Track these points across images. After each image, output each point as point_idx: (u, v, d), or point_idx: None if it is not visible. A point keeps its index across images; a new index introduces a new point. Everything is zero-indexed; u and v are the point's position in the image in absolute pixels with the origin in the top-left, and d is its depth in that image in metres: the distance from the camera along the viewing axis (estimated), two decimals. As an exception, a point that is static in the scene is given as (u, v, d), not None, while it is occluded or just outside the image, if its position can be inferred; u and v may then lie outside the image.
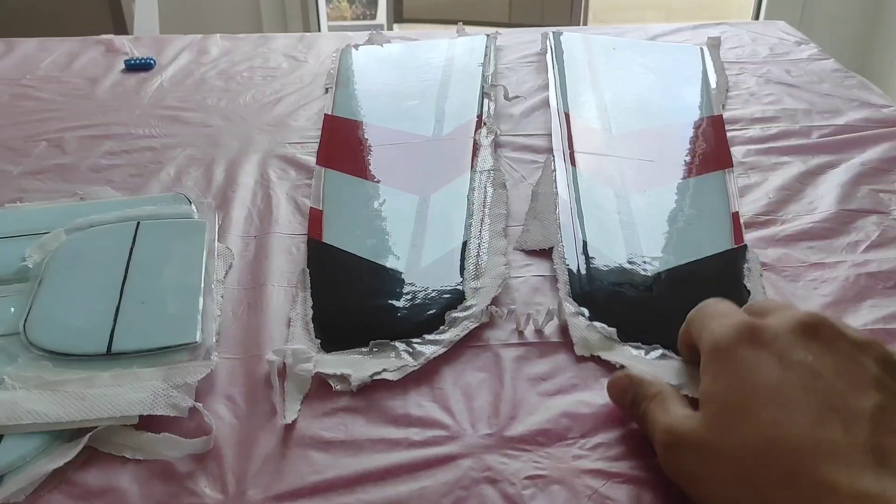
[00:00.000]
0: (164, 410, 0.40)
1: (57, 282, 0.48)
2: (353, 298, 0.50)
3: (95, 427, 0.39)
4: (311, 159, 0.66)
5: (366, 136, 0.70)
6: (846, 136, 0.68)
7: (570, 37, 0.88)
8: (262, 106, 0.78)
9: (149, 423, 0.40)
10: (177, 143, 0.70)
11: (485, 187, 0.61)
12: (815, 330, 0.32)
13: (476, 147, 0.67)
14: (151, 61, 0.87)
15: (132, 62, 0.87)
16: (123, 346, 0.44)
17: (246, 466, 0.38)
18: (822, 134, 0.68)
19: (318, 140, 0.70)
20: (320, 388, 0.42)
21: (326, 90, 0.80)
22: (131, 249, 0.52)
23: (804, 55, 0.86)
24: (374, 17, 2.38)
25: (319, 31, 1.95)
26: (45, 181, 0.64)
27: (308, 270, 0.51)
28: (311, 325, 0.47)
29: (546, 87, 0.79)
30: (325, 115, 0.73)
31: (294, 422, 0.40)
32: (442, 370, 0.43)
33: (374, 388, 0.42)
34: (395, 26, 2.08)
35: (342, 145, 0.69)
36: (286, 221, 0.58)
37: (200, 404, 0.40)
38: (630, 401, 0.38)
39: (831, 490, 0.27)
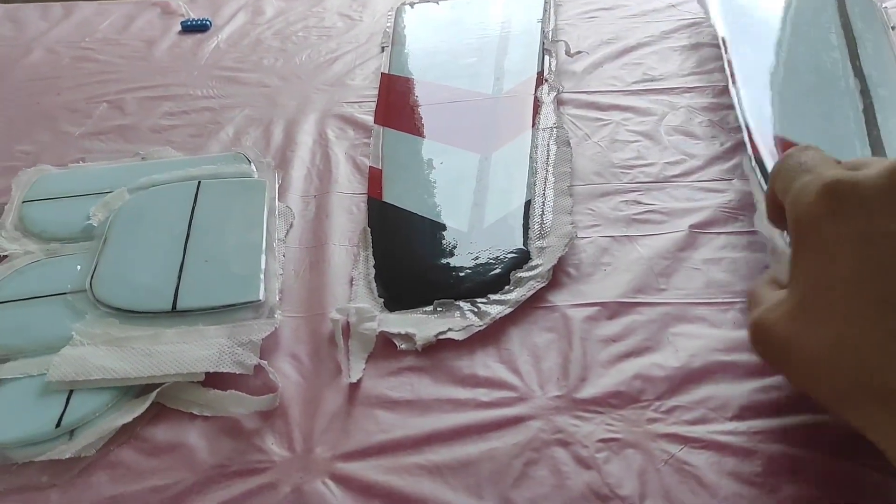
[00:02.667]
0: (230, 368, 0.40)
1: (121, 240, 0.48)
2: (415, 258, 0.49)
3: (163, 383, 0.39)
4: (369, 118, 0.65)
5: (424, 95, 0.69)
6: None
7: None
8: (318, 65, 0.77)
9: (215, 380, 0.40)
10: (235, 104, 0.69)
11: (548, 145, 0.59)
12: None
13: (537, 104, 0.65)
14: (207, 22, 0.87)
15: (188, 23, 0.87)
16: (188, 304, 0.43)
17: (313, 425, 0.37)
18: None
19: (376, 99, 0.68)
20: (384, 347, 0.42)
21: (382, 49, 0.79)
22: (193, 208, 0.51)
23: None
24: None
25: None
26: (107, 141, 0.64)
27: (369, 229, 0.51)
28: (374, 285, 0.46)
29: (610, 42, 0.76)
30: (381, 73, 0.72)
31: (359, 381, 0.40)
32: (508, 330, 0.42)
33: (439, 347, 0.41)
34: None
35: (400, 104, 0.67)
36: (345, 181, 0.57)
37: (265, 362, 0.40)
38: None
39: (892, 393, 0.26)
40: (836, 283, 0.28)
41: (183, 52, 0.82)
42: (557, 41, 0.76)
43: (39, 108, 0.70)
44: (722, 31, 0.68)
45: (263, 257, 0.47)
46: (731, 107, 0.63)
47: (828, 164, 0.32)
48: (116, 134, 0.65)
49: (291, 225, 0.52)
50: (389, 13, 0.87)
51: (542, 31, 0.78)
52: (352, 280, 0.47)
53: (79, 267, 0.46)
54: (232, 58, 0.79)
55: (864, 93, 0.60)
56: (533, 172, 0.56)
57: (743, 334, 0.40)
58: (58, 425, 0.37)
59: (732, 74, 0.62)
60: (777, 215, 0.34)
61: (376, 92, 0.70)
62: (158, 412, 0.38)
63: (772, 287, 0.34)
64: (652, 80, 0.69)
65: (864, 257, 0.27)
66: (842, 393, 0.28)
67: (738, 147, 0.58)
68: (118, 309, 0.43)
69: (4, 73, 0.77)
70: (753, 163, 0.51)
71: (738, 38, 0.68)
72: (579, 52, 0.74)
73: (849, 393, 0.28)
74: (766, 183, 0.45)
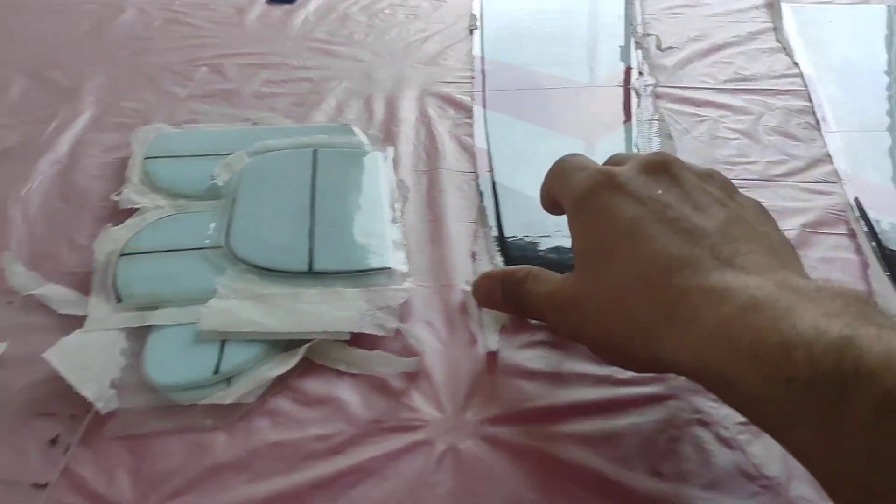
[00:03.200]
0: (372, 329, 0.41)
1: (250, 201, 0.50)
2: (535, 236, 0.50)
3: (310, 340, 0.40)
4: (467, 99, 0.66)
5: (520, 79, 0.70)
6: None
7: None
8: (408, 44, 0.77)
9: (357, 341, 0.41)
10: (332, 76, 0.71)
11: (650, 137, 0.60)
12: (663, 167, 0.35)
13: (634, 96, 0.66)
14: (293, -6, 0.88)
15: (275, -7, 0.88)
16: (324, 266, 0.45)
17: (457, 389, 0.39)
18: None
19: (471, 81, 0.70)
20: (517, 320, 0.43)
21: (471, 31, 0.80)
22: (314, 175, 0.53)
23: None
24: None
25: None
26: (213, 104, 0.65)
27: (485, 207, 0.52)
28: (499, 259, 0.47)
29: (697, 39, 0.77)
30: (475, 55, 0.73)
31: (496, 352, 0.41)
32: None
33: (570, 324, 0.43)
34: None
35: (499, 87, 0.68)
36: (453, 158, 0.58)
37: (406, 326, 0.42)
38: (502, 295, 0.40)
39: (683, 294, 0.30)
40: (617, 233, 0.33)
41: (273, 21, 0.83)
42: (649, 35, 0.77)
43: (140, 68, 0.71)
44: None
45: (388, 227, 0.49)
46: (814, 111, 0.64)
47: (594, 163, 0.38)
48: (221, 98, 0.66)
49: (407, 198, 0.54)
50: (474, -4, 0.87)
51: (630, 24, 0.79)
52: (474, 254, 0.48)
53: (213, 224, 0.48)
54: (322, 31, 0.80)
55: None
56: (639, 162, 0.57)
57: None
58: (216, 372, 0.38)
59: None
60: (551, 206, 0.41)
61: (470, 74, 0.71)
62: (307, 367, 0.40)
63: (549, 273, 0.39)
64: (744, 80, 0.70)
65: (637, 212, 0.33)
66: (638, 316, 0.32)
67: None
68: (257, 266, 0.45)
69: (100, 31, 0.79)
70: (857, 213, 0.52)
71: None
72: (670, 48, 0.75)
73: (643, 310, 0.32)
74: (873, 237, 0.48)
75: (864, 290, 0.46)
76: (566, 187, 0.37)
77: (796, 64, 0.71)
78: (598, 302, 0.34)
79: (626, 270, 0.32)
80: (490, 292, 0.41)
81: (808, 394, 0.26)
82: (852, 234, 0.50)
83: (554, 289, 0.37)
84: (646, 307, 0.31)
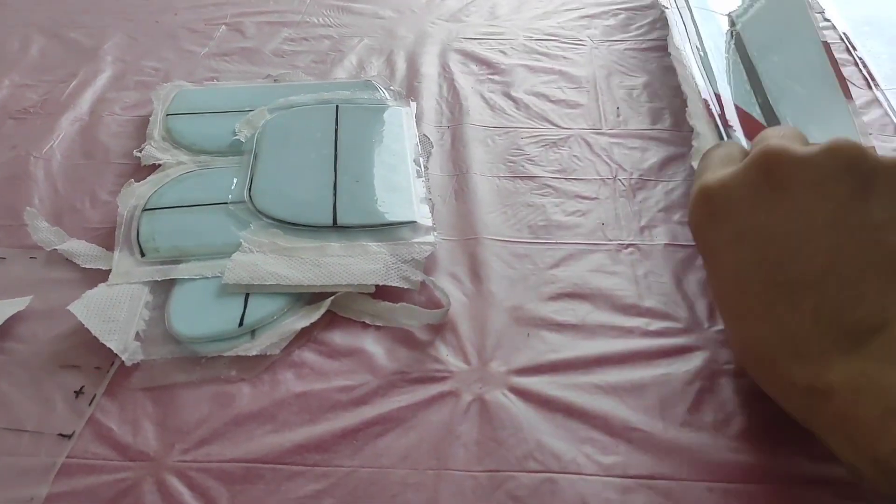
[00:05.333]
0: (397, 282, 0.41)
1: (272, 156, 0.49)
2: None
3: (335, 293, 0.40)
4: (490, 55, 0.65)
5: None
6: None
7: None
8: (428, 0, 0.76)
9: (382, 294, 0.41)
10: (353, 34, 0.70)
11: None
12: (770, 172, 0.27)
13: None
14: (313, -48, 0.86)
15: (294, -48, 0.86)
16: (348, 220, 0.44)
17: (483, 341, 0.38)
18: None
19: (494, 37, 0.68)
20: (541, 273, 0.42)
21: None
22: (336, 130, 0.52)
23: None
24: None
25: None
26: (233, 63, 0.65)
27: None
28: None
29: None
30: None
31: (522, 304, 0.40)
32: (665, 266, 0.43)
33: (597, 278, 0.42)
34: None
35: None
36: (476, 114, 0.57)
37: (432, 279, 0.41)
38: None
39: (791, 386, 0.28)
40: (724, 285, 0.30)
41: (291, -21, 0.82)
42: None
43: (159, 27, 0.71)
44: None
45: (412, 181, 0.48)
46: (855, 63, 0.63)
47: (718, 164, 0.32)
48: (241, 56, 0.66)
49: (430, 153, 0.53)
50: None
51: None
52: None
53: (235, 179, 0.48)
54: (342, -11, 0.79)
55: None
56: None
57: None
58: (240, 324, 0.38)
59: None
60: None
61: (493, 29, 0.70)
62: (332, 320, 0.40)
63: None
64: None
65: (739, 256, 0.28)
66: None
67: (873, 103, 0.58)
68: (281, 221, 0.44)
69: (118, -10, 0.78)
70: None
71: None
72: None
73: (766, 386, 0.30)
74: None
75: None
76: (704, 190, 0.31)
77: (828, 20, 0.69)
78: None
79: (753, 324, 0.29)
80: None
81: None
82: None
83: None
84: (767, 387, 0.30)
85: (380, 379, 0.36)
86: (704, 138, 0.44)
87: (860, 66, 0.62)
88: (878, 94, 0.59)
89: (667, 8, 0.62)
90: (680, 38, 0.57)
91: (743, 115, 0.50)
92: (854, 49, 0.65)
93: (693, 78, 0.52)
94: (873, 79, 0.60)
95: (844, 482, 0.31)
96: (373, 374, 0.37)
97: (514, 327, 0.39)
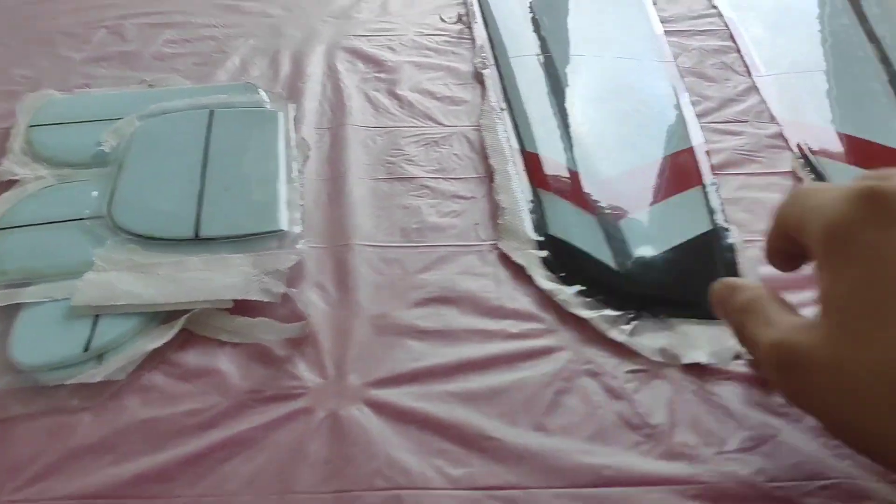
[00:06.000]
0: (257, 295, 0.39)
1: (137, 166, 0.48)
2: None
3: (191, 310, 0.39)
4: (378, 52, 0.64)
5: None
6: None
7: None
8: (319, -4, 0.74)
9: (242, 308, 0.39)
10: (238, 33, 0.68)
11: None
12: None
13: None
14: (204, -52, 0.84)
15: (184, -51, 0.84)
16: (211, 232, 0.43)
17: (343, 352, 0.37)
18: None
19: (384, 33, 0.67)
20: (409, 278, 0.42)
21: None
22: (207, 137, 0.50)
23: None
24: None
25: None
26: (110, 68, 0.62)
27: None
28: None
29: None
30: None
31: (386, 311, 0.40)
32: (533, 264, 0.42)
33: (465, 280, 0.41)
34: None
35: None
36: (359, 114, 0.56)
37: (294, 290, 0.40)
38: (726, 313, 0.32)
39: None
40: (890, 295, 0.24)
41: (181, -22, 0.79)
42: None
43: (35, 32, 0.68)
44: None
45: (283, 187, 0.47)
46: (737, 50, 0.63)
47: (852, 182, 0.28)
48: (119, 61, 0.63)
49: (307, 156, 0.52)
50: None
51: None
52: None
53: (95, 193, 0.46)
54: (231, -14, 0.77)
55: (885, 60, 0.59)
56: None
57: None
58: (86, 349, 0.36)
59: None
60: (779, 254, 0.32)
61: (384, 25, 0.68)
62: (187, 339, 0.38)
63: (779, 305, 0.30)
64: (664, 22, 0.68)
65: None
66: None
67: (751, 90, 0.58)
68: (139, 235, 0.43)
69: (-6, -6, 0.75)
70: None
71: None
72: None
73: None
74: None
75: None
76: (814, 218, 0.27)
77: (715, 7, 0.70)
78: (860, 371, 0.24)
79: None
80: (722, 304, 0.32)
81: None
82: (758, 174, 0.50)
83: (784, 337, 0.27)
84: None
85: (231, 400, 0.35)
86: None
87: (741, 53, 0.63)
88: (758, 80, 0.59)
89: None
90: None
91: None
92: (738, 37, 0.65)
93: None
94: (754, 66, 0.61)
95: (692, 481, 0.31)
96: (224, 395, 0.35)
97: (376, 337, 0.38)
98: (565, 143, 0.51)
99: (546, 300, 0.40)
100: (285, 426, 0.34)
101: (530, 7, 0.69)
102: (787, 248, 0.30)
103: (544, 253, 0.42)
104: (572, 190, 0.47)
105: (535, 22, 0.67)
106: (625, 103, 0.57)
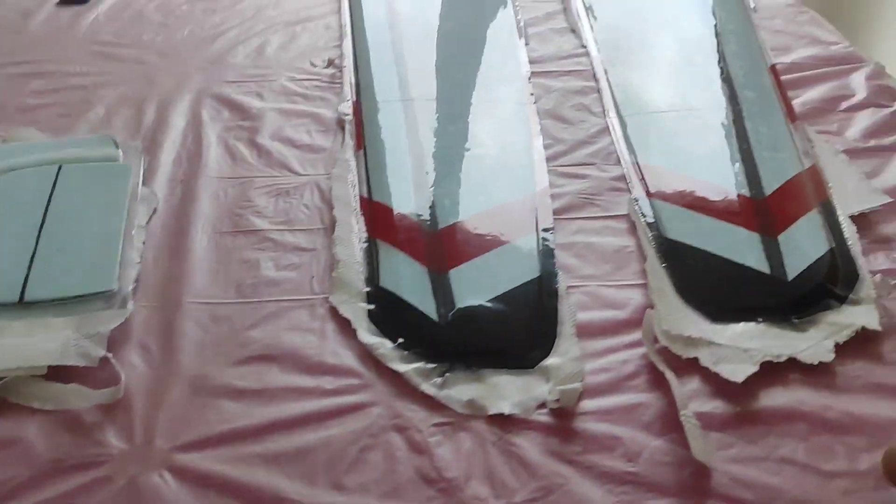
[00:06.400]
0: (75, 360, 0.39)
1: (-29, 229, 0.47)
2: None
3: (3, 378, 0.38)
4: (247, 99, 0.65)
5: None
6: (793, 75, 0.67)
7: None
8: (200, 41, 0.75)
9: (60, 372, 0.39)
10: (109, 81, 0.68)
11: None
12: None
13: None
14: (87, -7, 0.84)
15: (66, -6, 0.83)
16: (37, 295, 0.43)
17: (155, 416, 0.38)
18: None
19: (255, 79, 0.68)
20: (235, 335, 0.42)
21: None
22: (51, 194, 0.50)
23: (761, -11, 0.84)
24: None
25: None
26: (-32, 122, 0.62)
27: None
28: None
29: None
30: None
31: (208, 370, 0.40)
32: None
33: (290, 335, 0.42)
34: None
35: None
36: (215, 164, 0.57)
37: (111, 354, 0.40)
38: None
39: None
40: None
41: (60, 25, 0.78)
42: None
43: None
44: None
45: (121, 245, 0.47)
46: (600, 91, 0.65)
47: None
48: (-21, 114, 0.63)
49: (155, 210, 0.52)
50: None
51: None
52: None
53: (-78, 257, 0.45)
54: (110, 32, 0.77)
55: (733, 99, 0.61)
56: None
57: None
58: None
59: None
60: None
61: (257, 71, 0.69)
62: (-1, 407, 0.38)
63: None
64: (533, 63, 0.70)
65: None
66: None
67: (604, 131, 0.60)
68: (-40, 302, 0.42)
69: None
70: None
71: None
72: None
73: None
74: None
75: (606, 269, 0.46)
76: None
77: (584, 46, 0.72)
78: None
79: None
80: None
81: None
82: (595, 217, 0.51)
83: None
84: None
85: (32, 470, 0.35)
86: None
87: (601, 93, 0.65)
88: (610, 121, 0.61)
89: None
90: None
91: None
92: (600, 78, 0.67)
93: None
94: (610, 107, 0.63)
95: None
96: (26, 466, 0.35)
97: (192, 399, 0.39)
98: (416, 192, 0.52)
99: (367, 354, 0.41)
100: (83, 497, 0.34)
101: (400, 50, 0.70)
102: None
103: (371, 306, 0.43)
104: (410, 240, 0.48)
105: (402, 66, 0.68)
106: (481, 148, 0.58)
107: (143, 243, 0.49)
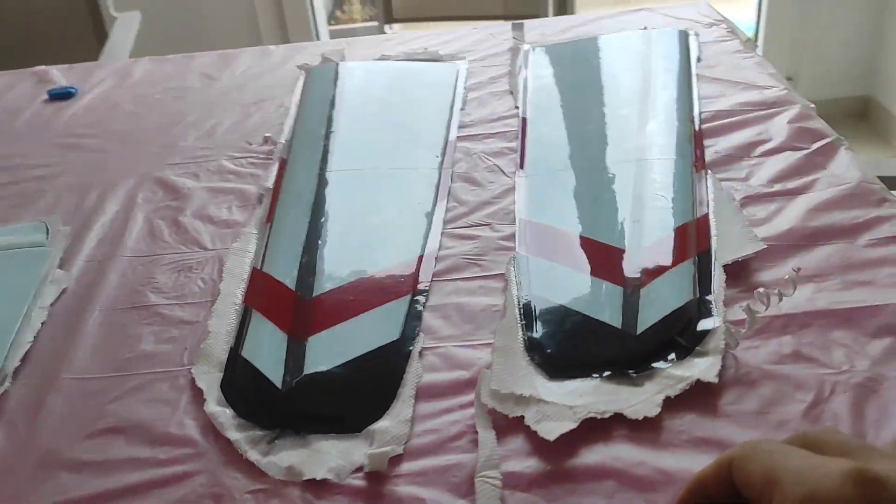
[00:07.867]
0: (-59, 438, 0.42)
1: None
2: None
3: None
4: (181, 181, 0.68)
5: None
6: (717, 122, 0.66)
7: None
8: (160, 127, 0.80)
9: (-74, 451, 0.42)
10: (64, 171, 0.73)
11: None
12: None
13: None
14: (73, 90, 0.91)
15: (55, 91, 0.90)
16: (-76, 377, 0.46)
17: (-5, 492, 0.40)
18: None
19: (197, 160, 0.71)
20: (88, 404, 0.44)
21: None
22: (-32, 281, 0.54)
23: (711, 37, 0.84)
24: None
25: (318, 38, 1.97)
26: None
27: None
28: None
29: (435, 90, 0.78)
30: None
31: (59, 445, 0.42)
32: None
33: (145, 406, 0.44)
34: (387, 27, 2.07)
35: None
36: (133, 243, 0.60)
37: (-26, 434, 0.43)
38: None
39: None
40: None
41: (42, 120, 0.85)
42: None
43: None
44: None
45: (17, 327, 0.50)
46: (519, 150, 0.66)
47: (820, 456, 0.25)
48: (-63, 208, 0.68)
49: (64, 290, 0.55)
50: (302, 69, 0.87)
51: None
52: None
53: None
54: (85, 123, 0.83)
55: (641, 151, 0.61)
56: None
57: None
58: None
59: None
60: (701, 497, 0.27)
61: (201, 152, 0.73)
62: None
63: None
64: (462, 126, 0.71)
65: None
66: None
67: (510, 191, 0.61)
68: None
69: None
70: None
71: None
72: None
73: None
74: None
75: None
76: (792, 481, 0.24)
77: (517, 107, 0.73)
78: None
79: None
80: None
81: None
82: (472, 278, 0.52)
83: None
84: None
85: None
86: None
87: (520, 153, 0.65)
88: (518, 181, 0.62)
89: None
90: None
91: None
92: (524, 136, 0.68)
93: None
94: (522, 166, 0.63)
95: None
96: None
97: (35, 473, 0.41)
98: (301, 262, 0.54)
99: (210, 424, 0.42)
100: None
101: (336, 125, 0.73)
102: (718, 494, 0.27)
103: (221, 375, 0.45)
104: (281, 308, 0.50)
105: (331, 139, 0.70)
106: (379, 216, 0.60)
107: (42, 323, 0.52)
